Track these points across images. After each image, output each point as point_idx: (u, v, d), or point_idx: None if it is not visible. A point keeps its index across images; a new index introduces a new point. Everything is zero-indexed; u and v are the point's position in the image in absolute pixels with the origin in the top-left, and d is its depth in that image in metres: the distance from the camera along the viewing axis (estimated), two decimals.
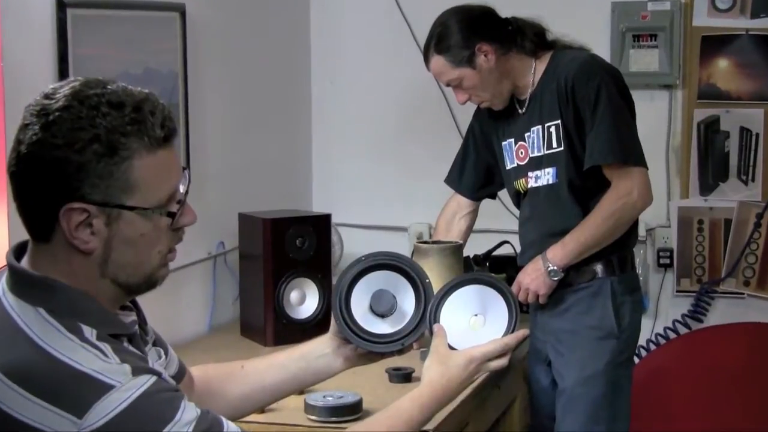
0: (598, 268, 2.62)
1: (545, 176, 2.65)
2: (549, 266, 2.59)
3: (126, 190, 1.29)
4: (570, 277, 2.63)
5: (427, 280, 1.72)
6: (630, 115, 2.62)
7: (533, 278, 2.62)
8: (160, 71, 2.86)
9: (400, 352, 1.73)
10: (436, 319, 1.70)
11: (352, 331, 1.69)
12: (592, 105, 2.54)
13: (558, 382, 2.69)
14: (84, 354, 1.25)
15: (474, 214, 2.94)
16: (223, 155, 3.24)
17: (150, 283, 1.39)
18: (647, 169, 2.60)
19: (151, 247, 1.35)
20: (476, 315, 1.72)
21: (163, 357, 1.54)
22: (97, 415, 1.22)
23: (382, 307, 1.71)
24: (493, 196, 2.98)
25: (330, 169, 3.84)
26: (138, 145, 1.29)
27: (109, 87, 1.32)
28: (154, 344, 1.53)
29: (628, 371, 2.68)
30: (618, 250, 2.63)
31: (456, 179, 2.95)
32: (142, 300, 1.51)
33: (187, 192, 1.38)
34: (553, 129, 2.62)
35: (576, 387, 2.62)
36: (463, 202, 2.93)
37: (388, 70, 3.72)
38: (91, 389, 1.23)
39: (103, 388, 1.23)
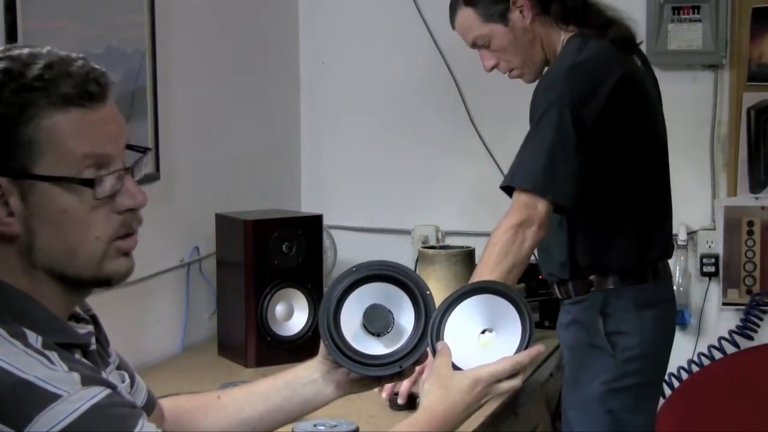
0: (597, 279, 2.59)
1: None
2: None
3: (34, 154, 1.29)
4: (568, 288, 2.63)
5: (428, 292, 1.72)
6: (575, 152, 2.41)
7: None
8: (125, 50, 2.85)
9: (400, 375, 1.73)
10: (439, 336, 1.69)
11: (342, 353, 1.68)
12: (533, 123, 2.48)
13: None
14: (26, 360, 1.25)
15: None
16: (198, 147, 3.24)
17: (100, 279, 1.37)
18: (549, 199, 2.40)
19: (81, 230, 1.33)
20: (486, 330, 1.71)
21: (127, 381, 1.53)
22: (39, 427, 1.21)
23: (377, 324, 1.70)
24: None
25: (321, 164, 3.83)
26: (45, 101, 1.30)
27: (28, 49, 1.33)
28: (118, 368, 1.52)
29: (625, 402, 2.60)
30: (623, 265, 2.58)
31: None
32: (100, 315, 1.50)
33: (129, 169, 1.36)
34: None
35: (568, 410, 2.62)
36: None
37: (388, 48, 3.72)
38: (33, 399, 1.22)
39: (47, 398, 1.22)
